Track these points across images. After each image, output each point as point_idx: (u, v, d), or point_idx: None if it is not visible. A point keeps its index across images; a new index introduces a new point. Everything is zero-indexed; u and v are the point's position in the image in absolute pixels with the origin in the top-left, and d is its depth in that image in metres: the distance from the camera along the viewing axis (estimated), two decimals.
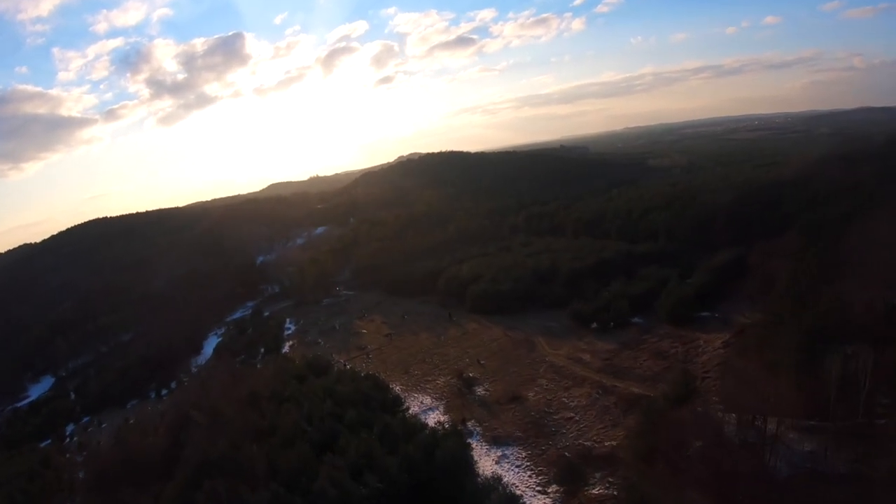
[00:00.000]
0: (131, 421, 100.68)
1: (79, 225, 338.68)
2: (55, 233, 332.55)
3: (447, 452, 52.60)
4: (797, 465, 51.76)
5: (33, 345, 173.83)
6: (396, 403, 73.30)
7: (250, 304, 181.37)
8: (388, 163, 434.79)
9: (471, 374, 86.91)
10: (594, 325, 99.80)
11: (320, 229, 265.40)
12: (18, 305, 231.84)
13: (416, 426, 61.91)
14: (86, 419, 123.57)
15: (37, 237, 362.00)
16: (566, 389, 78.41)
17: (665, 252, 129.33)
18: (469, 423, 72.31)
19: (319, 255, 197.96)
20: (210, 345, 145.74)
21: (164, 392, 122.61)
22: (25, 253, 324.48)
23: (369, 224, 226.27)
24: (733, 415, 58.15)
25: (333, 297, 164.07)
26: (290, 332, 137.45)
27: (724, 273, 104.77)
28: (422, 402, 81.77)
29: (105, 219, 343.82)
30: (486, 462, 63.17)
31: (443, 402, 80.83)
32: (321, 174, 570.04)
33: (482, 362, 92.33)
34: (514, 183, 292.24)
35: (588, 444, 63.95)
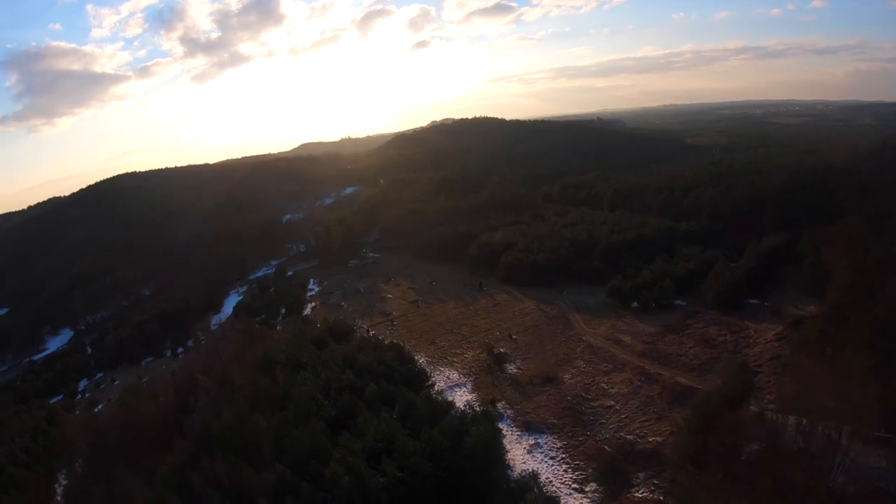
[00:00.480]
0: (144, 380, 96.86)
1: (107, 179, 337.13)
2: (84, 187, 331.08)
3: (477, 440, 46.21)
4: (863, 481, 44.66)
5: (53, 298, 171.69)
6: (421, 378, 66.91)
7: (274, 262, 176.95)
8: (422, 126, 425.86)
9: (502, 350, 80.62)
10: (634, 304, 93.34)
11: (349, 189, 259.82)
12: (42, 258, 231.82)
13: (443, 406, 55.52)
14: (99, 375, 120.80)
15: (66, 191, 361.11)
16: (605, 374, 71.79)
17: (709, 232, 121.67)
18: (499, 405, 66.15)
19: (347, 215, 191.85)
20: (230, 303, 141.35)
21: (180, 350, 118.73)
22: (53, 206, 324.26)
23: (400, 185, 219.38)
24: (791, 418, 51.13)
25: (359, 259, 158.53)
26: (312, 293, 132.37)
27: (773, 259, 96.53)
28: (448, 378, 75.71)
29: (134, 174, 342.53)
30: (518, 451, 56.98)
31: (471, 379, 74.63)
32: (353, 136, 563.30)
33: (514, 337, 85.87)
34: (549, 152, 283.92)
35: (630, 437, 57.40)
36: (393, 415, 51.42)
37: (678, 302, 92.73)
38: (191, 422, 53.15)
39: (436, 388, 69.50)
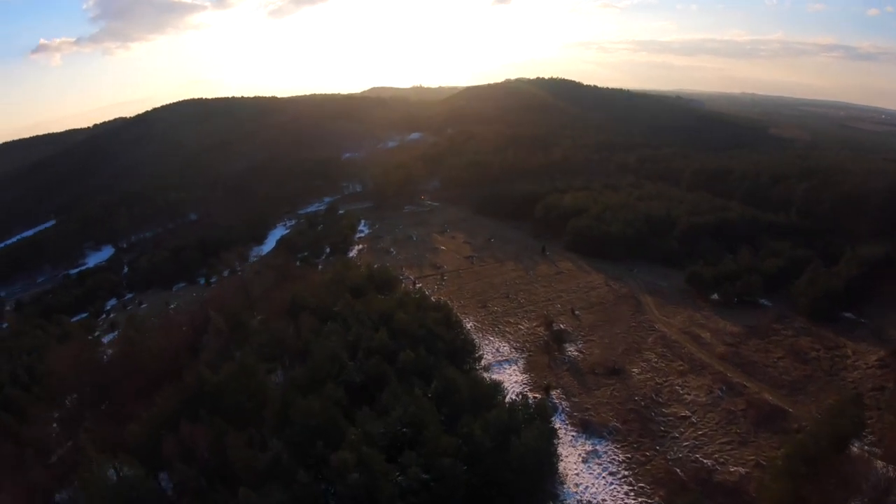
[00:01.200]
0: (171, 306, 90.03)
1: (172, 104, 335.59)
2: (149, 109, 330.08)
3: (527, 447, 35.82)
4: None
5: (100, 213, 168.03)
6: (468, 349, 56.45)
7: (327, 199, 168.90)
8: (497, 82, 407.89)
9: (562, 326, 69.63)
10: (714, 296, 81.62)
11: (415, 135, 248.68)
12: (97, 175, 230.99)
13: (489, 390, 45.16)
14: (129, 296, 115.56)
15: (132, 114, 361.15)
16: (681, 375, 60.49)
17: (798, 228, 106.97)
18: (554, 394, 55.70)
19: (409, 160, 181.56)
20: (275, 236, 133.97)
21: (213, 279, 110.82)
22: (116, 126, 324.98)
23: (466, 137, 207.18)
24: None
25: (416, 206, 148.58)
26: (362, 234, 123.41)
27: (874, 270, 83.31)
28: (497, 350, 65.39)
29: (200, 100, 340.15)
30: (571, 458, 46.45)
31: (524, 356, 64.13)
32: (424, 85, 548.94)
33: (577, 313, 74.81)
34: (625, 123, 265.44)
35: (708, 463, 46.58)
36: (428, 393, 41.47)
37: (763, 301, 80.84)
38: (188, 373, 44.54)
39: (482, 361, 59.25)
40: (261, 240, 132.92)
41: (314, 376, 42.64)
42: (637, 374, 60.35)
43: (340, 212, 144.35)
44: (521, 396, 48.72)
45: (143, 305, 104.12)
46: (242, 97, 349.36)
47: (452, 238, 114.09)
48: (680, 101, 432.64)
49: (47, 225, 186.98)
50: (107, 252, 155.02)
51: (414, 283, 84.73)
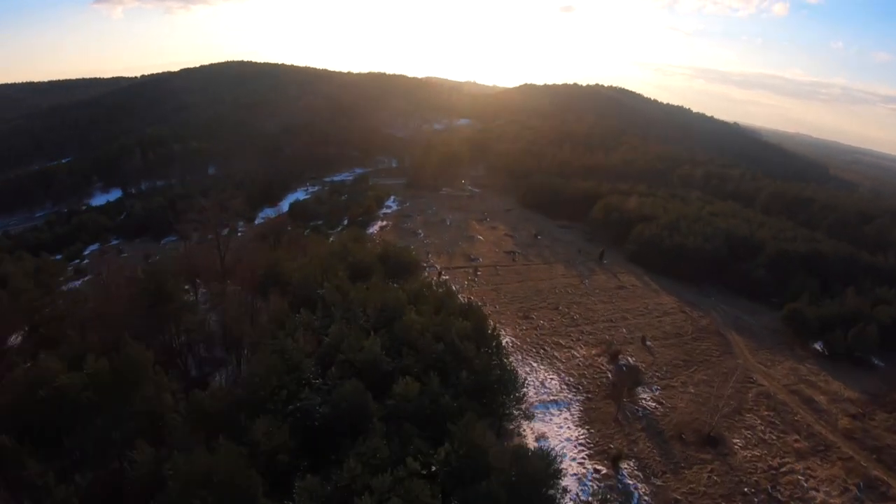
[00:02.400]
0: (151, 259, 72.68)
1: (221, 63, 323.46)
2: (196, 66, 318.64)
3: None
4: None
5: (115, 154, 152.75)
6: (507, 384, 36.44)
7: (359, 170, 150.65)
8: (555, 83, 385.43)
9: (631, 360, 50.14)
10: (817, 344, 62.60)
11: (464, 120, 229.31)
12: (128, 119, 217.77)
13: (538, 475, 25.74)
14: (114, 242, 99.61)
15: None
16: (800, 456, 41.52)
17: None
18: (626, 469, 36.13)
19: (454, 141, 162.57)
20: (292, 199, 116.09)
21: (209, 238, 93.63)
22: (161, 78, 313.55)
23: (519, 126, 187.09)
24: None
25: (455, 190, 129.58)
26: (389, 211, 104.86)
27: None
28: (543, 385, 45.62)
29: (248, 62, 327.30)
30: None
31: (580, 398, 44.26)
32: (478, 82, 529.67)
33: (649, 343, 55.06)
34: (685, 140, 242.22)
35: None
36: (430, 463, 22.52)
37: (875, 360, 61.78)
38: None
39: (523, 403, 39.65)
40: (275, 201, 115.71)
41: (251, 398, 24.10)
42: (741, 447, 40.90)
43: (370, 184, 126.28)
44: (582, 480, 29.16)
45: (124, 255, 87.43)
46: (292, 65, 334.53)
47: (493, 228, 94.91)
48: (738, 128, 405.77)
49: (64, 161, 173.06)
50: (115, 195, 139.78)
51: (439, 274, 66.07)
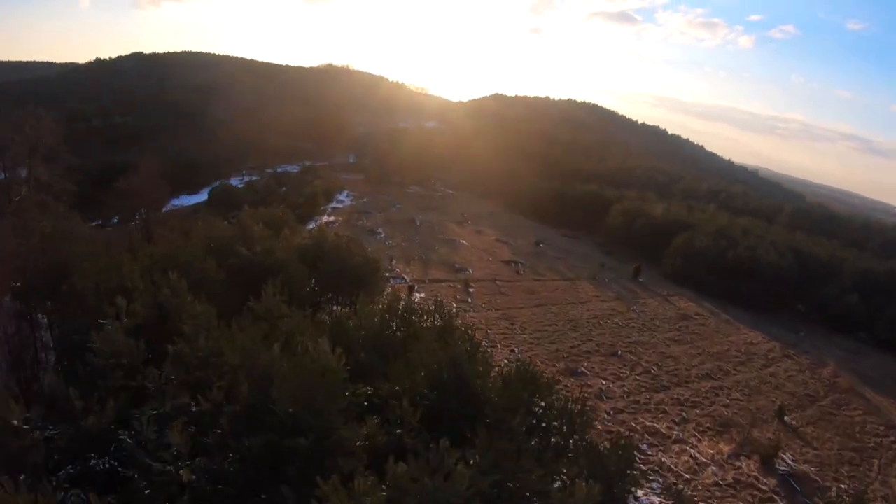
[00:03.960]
0: None
1: (177, 52, 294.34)
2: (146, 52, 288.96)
3: None
4: None
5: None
6: None
7: (308, 163, 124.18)
8: (527, 95, 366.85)
9: (789, 459, 25.32)
10: None
11: (432, 123, 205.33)
12: (61, 98, 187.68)
13: None
14: None
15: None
16: None
17: None
18: None
19: (425, 137, 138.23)
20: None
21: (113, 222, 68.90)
22: (111, 63, 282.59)
23: (500, 124, 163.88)
24: None
25: (426, 189, 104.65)
26: (340, 206, 78.69)
27: None
28: None
29: (206, 53, 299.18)
30: None
31: None
32: (447, 96, 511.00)
33: (789, 420, 30.42)
34: (664, 158, 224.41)
35: None
36: None
37: None
38: None
39: None
40: (196, 188, 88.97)
41: None
42: None
43: (320, 175, 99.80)
44: None
45: None
46: (252, 59, 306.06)
47: (478, 233, 69.81)
48: (713, 155, 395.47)
49: None
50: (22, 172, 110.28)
51: (411, 291, 40.51)
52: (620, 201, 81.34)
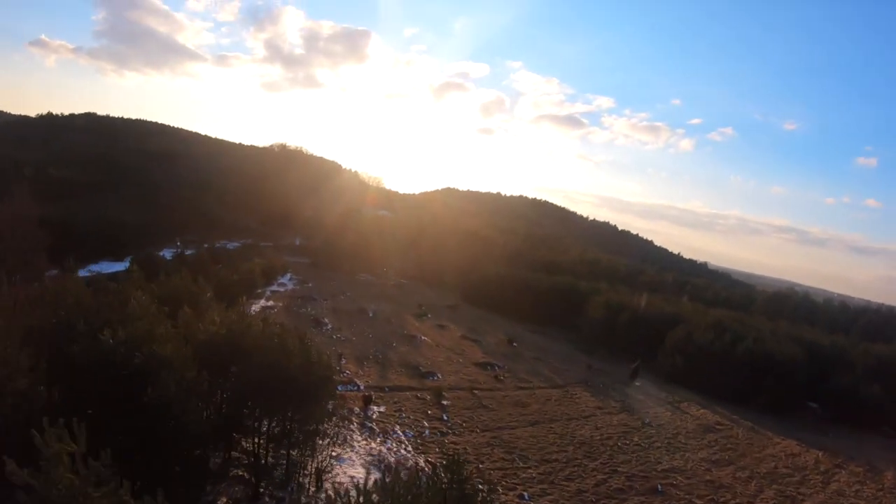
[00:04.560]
0: None
1: (132, 119, 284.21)
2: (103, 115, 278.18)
3: None
4: None
5: None
6: None
7: (253, 241, 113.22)
8: (478, 190, 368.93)
9: None
10: None
11: (384, 212, 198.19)
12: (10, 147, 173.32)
13: None
14: None
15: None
16: None
17: None
18: None
19: (377, 224, 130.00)
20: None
21: None
22: (62, 119, 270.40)
23: (456, 214, 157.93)
24: None
25: (377, 278, 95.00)
26: (281, 290, 67.59)
27: None
28: None
29: (159, 123, 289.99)
30: None
31: None
32: (399, 189, 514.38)
33: None
34: (614, 253, 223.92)
35: None
36: None
37: None
38: None
39: None
40: (121, 256, 77.01)
41: None
42: None
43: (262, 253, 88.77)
44: None
45: None
46: (206, 135, 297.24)
47: (441, 328, 59.88)
48: (664, 250, 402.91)
49: None
50: None
51: (367, 402, 29.90)
52: (598, 293, 73.36)
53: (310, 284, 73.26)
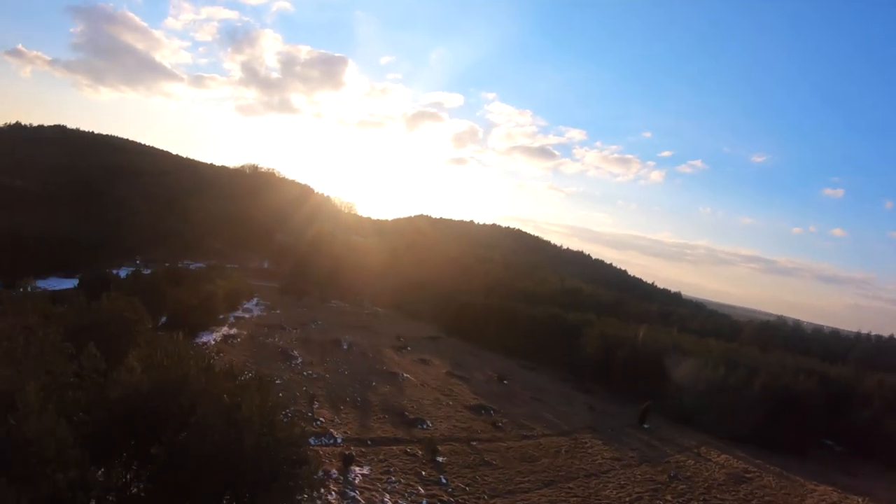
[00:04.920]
0: None
1: (102, 134, 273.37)
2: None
3: None
4: None
5: None
6: None
7: (219, 263, 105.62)
8: (452, 218, 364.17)
9: None
10: None
11: (357, 237, 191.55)
12: None
13: None
14: None
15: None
16: None
17: None
18: None
19: (350, 249, 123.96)
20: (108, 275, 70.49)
21: None
22: (48, 131, 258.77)
23: (429, 240, 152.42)
24: None
25: (351, 305, 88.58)
26: (246, 316, 60.79)
27: None
28: None
29: (129, 140, 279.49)
30: None
31: None
32: (373, 218, 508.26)
33: None
34: (589, 282, 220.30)
35: None
36: None
37: None
38: None
39: None
40: (71, 271, 69.69)
41: None
42: None
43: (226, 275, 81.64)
44: None
45: None
46: (177, 154, 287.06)
47: (423, 363, 53.75)
48: (639, 280, 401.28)
49: None
50: None
51: (346, 464, 23.78)
52: (589, 325, 68.03)
53: (278, 311, 66.64)
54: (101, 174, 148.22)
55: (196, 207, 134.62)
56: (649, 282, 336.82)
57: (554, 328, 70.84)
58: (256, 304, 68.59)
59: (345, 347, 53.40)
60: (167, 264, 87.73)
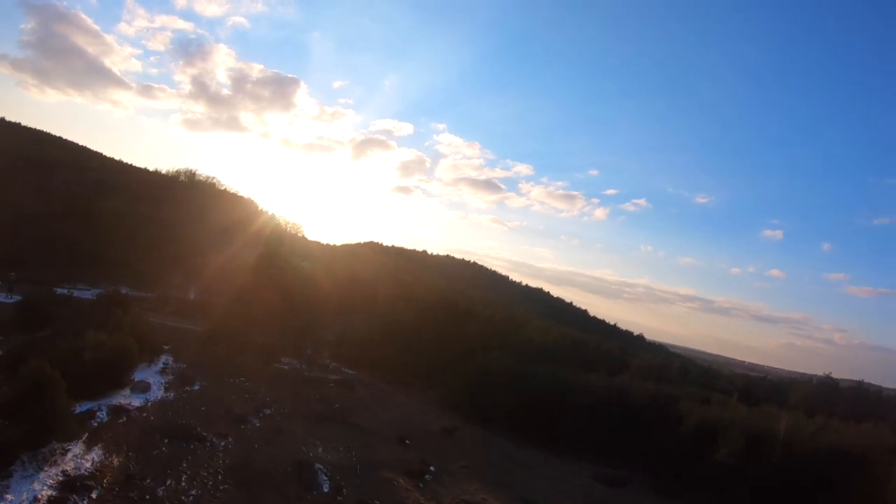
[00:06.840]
0: None
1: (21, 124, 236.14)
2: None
3: None
4: None
5: None
6: None
7: (125, 290, 75.37)
8: (396, 245, 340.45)
9: None
10: None
11: (306, 263, 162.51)
12: None
13: None
14: None
15: None
16: None
17: None
18: None
19: (301, 278, 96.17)
20: None
21: None
22: None
23: (386, 272, 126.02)
24: None
25: (310, 366, 61.30)
26: (134, 406, 32.78)
27: None
28: None
29: (47, 133, 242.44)
30: None
31: None
32: (320, 239, 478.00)
33: None
34: (549, 319, 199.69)
35: None
36: None
37: None
38: None
39: None
40: None
41: None
42: None
43: (125, 315, 52.66)
44: None
45: None
46: (99, 152, 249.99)
47: (464, 487, 28.06)
48: (596, 318, 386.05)
49: None
50: None
51: None
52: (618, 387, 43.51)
53: (196, 387, 38.76)
54: None
55: (108, 212, 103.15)
56: (611, 322, 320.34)
57: (561, 395, 45.65)
58: (162, 370, 40.51)
59: (321, 484, 26.78)
60: (36, 288, 57.51)
